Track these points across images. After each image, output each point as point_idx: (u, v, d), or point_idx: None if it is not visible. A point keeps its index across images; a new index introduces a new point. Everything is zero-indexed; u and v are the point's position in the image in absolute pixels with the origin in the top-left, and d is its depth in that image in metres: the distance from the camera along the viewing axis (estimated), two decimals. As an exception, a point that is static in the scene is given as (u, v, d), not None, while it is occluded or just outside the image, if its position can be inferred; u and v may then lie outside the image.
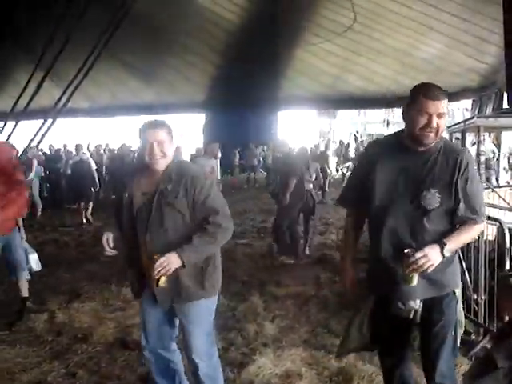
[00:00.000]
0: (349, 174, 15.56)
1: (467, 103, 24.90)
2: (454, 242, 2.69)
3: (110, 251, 3.33)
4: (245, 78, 17.67)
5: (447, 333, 2.80)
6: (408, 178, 2.75)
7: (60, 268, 7.92)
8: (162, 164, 3.18)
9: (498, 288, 2.21)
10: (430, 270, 2.61)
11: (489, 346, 2.37)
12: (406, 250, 2.61)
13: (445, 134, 7.67)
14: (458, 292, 2.88)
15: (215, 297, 3.38)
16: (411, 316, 2.81)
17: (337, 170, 22.85)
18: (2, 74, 18.99)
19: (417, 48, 14.76)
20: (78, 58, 14.40)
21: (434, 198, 2.68)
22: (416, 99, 2.68)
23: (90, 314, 5.77)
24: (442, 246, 2.62)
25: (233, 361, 4.51)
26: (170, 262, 3.01)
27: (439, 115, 2.65)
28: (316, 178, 9.22)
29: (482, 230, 2.73)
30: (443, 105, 2.66)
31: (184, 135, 34.11)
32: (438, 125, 2.66)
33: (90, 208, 12.72)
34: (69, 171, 14.42)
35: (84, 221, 12.38)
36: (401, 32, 13.71)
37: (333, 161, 22.69)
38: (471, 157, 2.80)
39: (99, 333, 5.20)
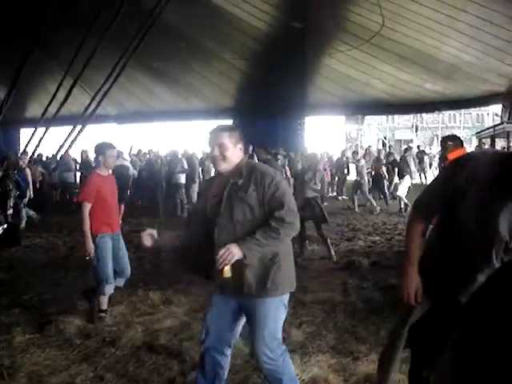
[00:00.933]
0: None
1: (497, 108, 24.64)
2: None
3: (148, 241, 3.45)
4: (272, 84, 17.73)
5: None
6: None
7: (89, 272, 8.00)
8: (224, 167, 3.33)
9: None
10: None
11: None
12: None
13: (474, 140, 7.56)
14: None
15: (282, 296, 3.39)
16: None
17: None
18: (32, 81, 19.32)
19: (444, 52, 14.66)
20: (106, 65, 14.64)
21: None
22: None
23: (118, 318, 5.82)
24: None
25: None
26: (231, 252, 3.09)
27: None
28: (321, 187, 8.99)
29: None
30: None
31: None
32: None
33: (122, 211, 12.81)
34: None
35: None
36: (428, 35, 13.62)
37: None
38: None
39: (127, 337, 5.24)
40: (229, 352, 3.52)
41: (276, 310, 3.36)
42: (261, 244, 3.17)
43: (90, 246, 5.59)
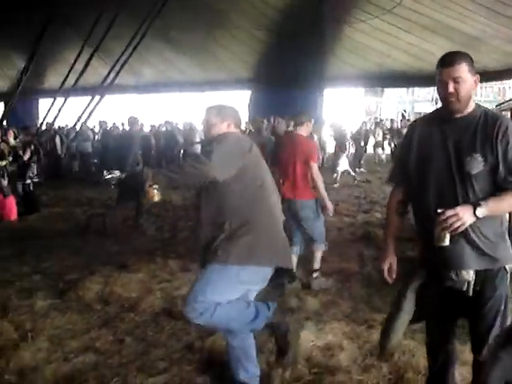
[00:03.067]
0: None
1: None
2: (490, 205, 2.63)
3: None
4: (292, 55, 17.60)
5: (499, 308, 2.78)
6: (448, 146, 2.75)
7: (108, 240, 8.14)
8: None
9: None
10: (460, 230, 2.59)
11: None
12: (438, 210, 2.60)
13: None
14: (510, 268, 2.85)
15: (232, 266, 3.37)
16: (464, 288, 2.78)
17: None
18: (51, 52, 19.40)
19: (466, 24, 14.43)
20: (125, 35, 14.65)
21: (476, 162, 2.66)
22: (436, 70, 2.73)
23: (138, 285, 5.91)
24: (476, 206, 2.59)
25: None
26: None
27: (455, 79, 2.65)
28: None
29: None
30: (457, 69, 2.65)
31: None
32: (455, 89, 2.65)
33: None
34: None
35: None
36: (450, 7, 13.40)
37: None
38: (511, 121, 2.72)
39: (146, 303, 5.33)
40: None
41: (218, 275, 3.33)
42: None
43: None
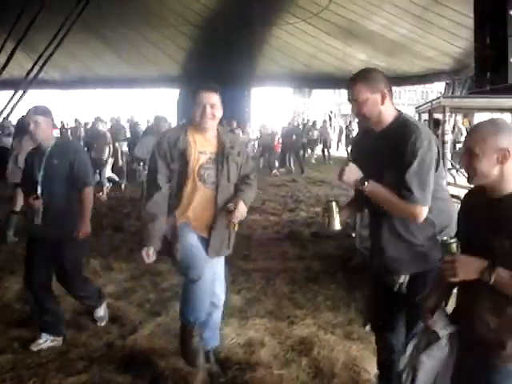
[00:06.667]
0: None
1: (441, 86, 25.18)
2: (378, 188, 2.79)
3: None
4: (220, 53, 17.60)
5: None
6: (372, 157, 2.89)
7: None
8: None
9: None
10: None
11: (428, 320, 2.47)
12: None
13: (413, 114, 7.77)
14: None
15: None
16: (397, 287, 2.92)
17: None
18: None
19: (391, 30, 14.85)
20: (50, 28, 14.22)
21: (390, 172, 2.79)
22: None
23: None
24: (366, 181, 2.80)
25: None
26: (245, 210, 3.57)
27: (355, 101, 2.87)
28: None
29: (414, 213, 2.76)
30: (354, 90, 2.87)
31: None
32: (358, 109, 2.87)
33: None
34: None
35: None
36: (375, 13, 13.76)
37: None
38: (421, 136, 2.75)
39: (67, 303, 5.07)
40: None
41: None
42: (250, 199, 3.75)
43: None
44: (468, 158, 2.22)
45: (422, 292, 2.82)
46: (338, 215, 2.96)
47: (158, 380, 3.73)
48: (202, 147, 3.55)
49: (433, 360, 2.37)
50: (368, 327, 3.81)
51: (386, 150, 2.81)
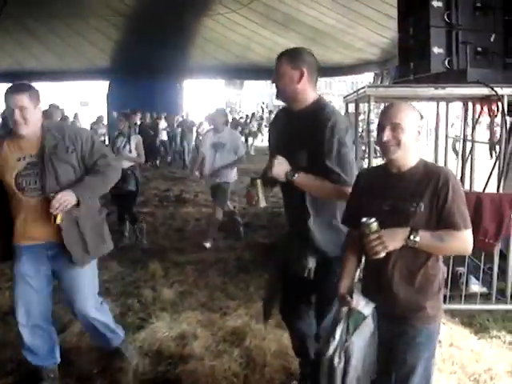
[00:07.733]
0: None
1: (370, 77, 25.70)
2: (306, 178, 2.80)
3: None
4: (151, 44, 17.32)
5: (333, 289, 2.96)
6: (286, 135, 2.97)
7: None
8: (26, 131, 3.16)
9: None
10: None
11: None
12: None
13: (341, 104, 7.84)
14: None
15: None
16: (305, 274, 2.95)
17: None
18: None
19: (320, 21, 15.00)
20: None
21: (302, 154, 2.83)
22: None
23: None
24: (295, 172, 2.80)
25: (129, 325, 4.52)
26: (66, 198, 3.11)
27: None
28: (138, 154, 7.30)
29: (346, 193, 2.78)
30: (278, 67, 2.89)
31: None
32: (276, 85, 2.94)
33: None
34: None
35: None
36: (305, 3, 13.84)
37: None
38: (339, 120, 2.81)
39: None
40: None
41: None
42: (91, 187, 3.32)
43: None
44: (393, 131, 2.37)
45: (327, 278, 2.89)
46: (263, 192, 2.99)
47: (86, 378, 3.68)
48: (19, 153, 3.20)
49: (363, 339, 2.45)
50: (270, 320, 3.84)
51: (303, 132, 2.83)
